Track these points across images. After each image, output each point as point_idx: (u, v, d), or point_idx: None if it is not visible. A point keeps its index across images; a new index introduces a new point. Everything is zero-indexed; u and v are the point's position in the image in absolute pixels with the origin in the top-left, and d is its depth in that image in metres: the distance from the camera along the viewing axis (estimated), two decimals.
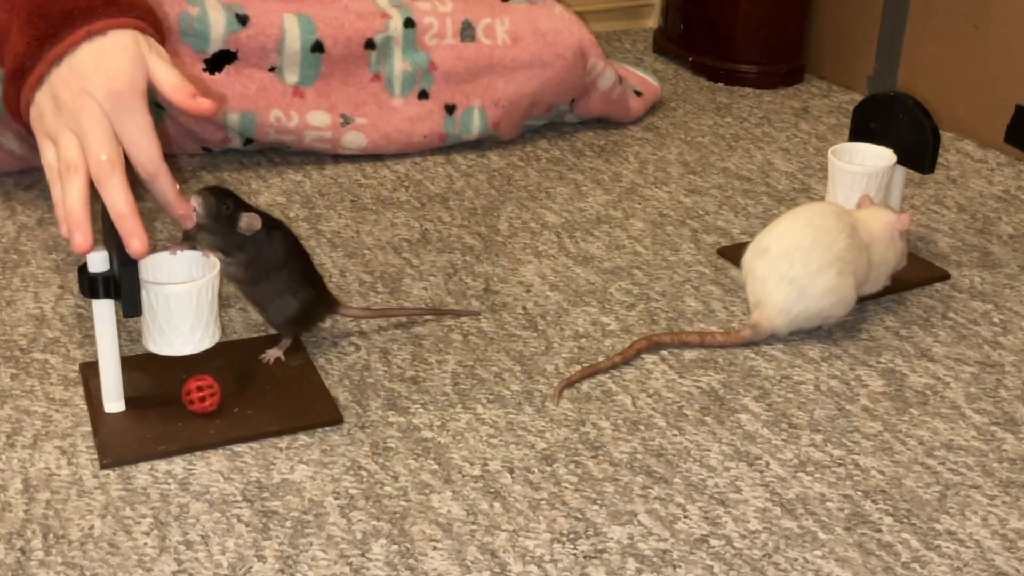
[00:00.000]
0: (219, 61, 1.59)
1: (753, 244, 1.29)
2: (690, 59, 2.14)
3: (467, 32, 1.70)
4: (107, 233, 1.05)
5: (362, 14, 1.66)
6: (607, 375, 1.21)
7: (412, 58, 1.69)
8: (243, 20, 1.59)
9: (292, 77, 1.63)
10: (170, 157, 1.69)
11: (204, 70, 1.59)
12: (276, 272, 1.17)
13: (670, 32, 2.20)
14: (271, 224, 1.18)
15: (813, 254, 1.24)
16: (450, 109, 1.72)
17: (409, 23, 1.68)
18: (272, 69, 1.62)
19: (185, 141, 1.66)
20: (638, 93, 1.90)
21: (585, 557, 0.97)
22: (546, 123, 1.85)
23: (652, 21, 2.41)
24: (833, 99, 2.04)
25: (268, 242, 1.15)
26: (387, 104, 1.70)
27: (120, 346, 1.10)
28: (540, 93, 1.75)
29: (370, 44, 1.67)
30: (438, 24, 1.70)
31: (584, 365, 1.22)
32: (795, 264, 1.24)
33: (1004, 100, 1.80)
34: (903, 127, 1.40)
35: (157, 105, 1.60)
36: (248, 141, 1.67)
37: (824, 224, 1.25)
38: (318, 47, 1.63)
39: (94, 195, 0.92)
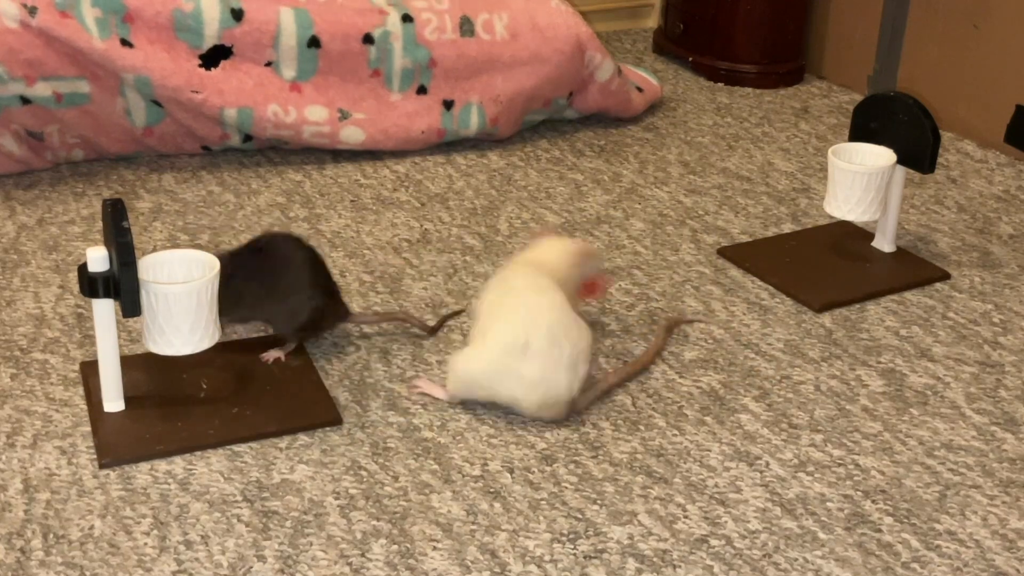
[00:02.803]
0: (215, 56, 1.60)
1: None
2: (690, 59, 2.14)
3: (466, 27, 1.70)
4: (107, 233, 1.05)
5: (359, 11, 1.66)
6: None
7: (413, 54, 1.69)
8: (238, 15, 1.59)
9: (289, 72, 1.63)
10: (170, 157, 1.69)
11: (200, 66, 1.59)
12: (277, 289, 1.17)
13: (670, 32, 2.20)
14: (256, 246, 1.18)
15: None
16: (448, 105, 1.72)
17: (407, 18, 1.68)
18: (269, 64, 1.62)
19: (185, 140, 1.66)
20: (639, 89, 1.90)
21: (585, 557, 0.97)
22: (546, 123, 1.85)
23: (652, 21, 2.41)
24: (833, 99, 2.04)
25: (248, 274, 1.16)
26: (385, 99, 1.70)
27: (120, 346, 1.10)
28: (538, 88, 1.75)
29: (368, 39, 1.66)
30: (436, 19, 1.70)
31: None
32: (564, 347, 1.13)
33: (1004, 100, 1.80)
34: (903, 127, 1.40)
35: (155, 103, 1.60)
36: (247, 138, 1.67)
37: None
38: (314, 42, 1.63)
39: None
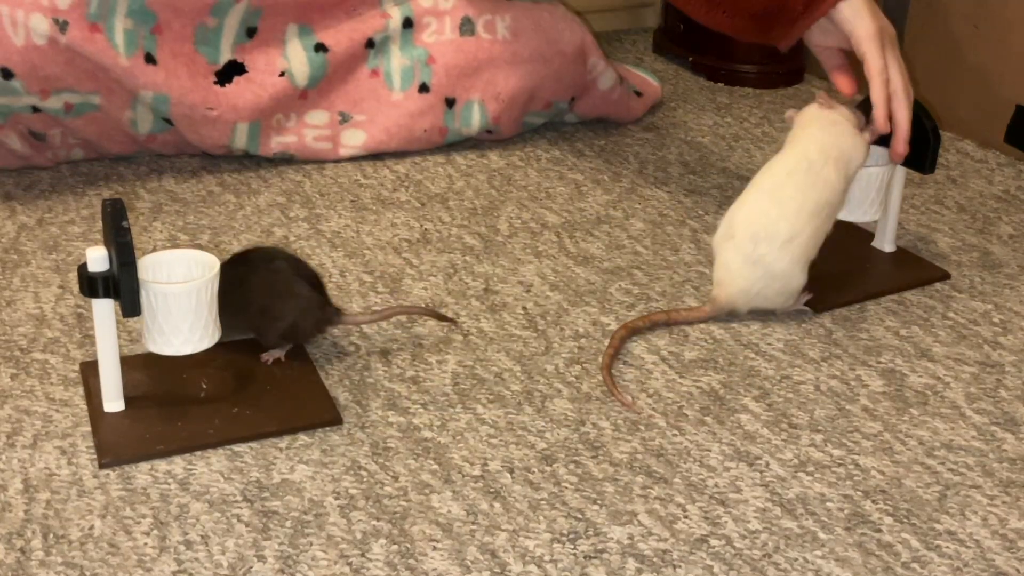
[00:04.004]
0: (229, 72, 1.60)
1: (720, 230, 1.30)
2: (690, 59, 2.14)
3: (466, 27, 1.71)
4: (107, 233, 1.05)
5: (363, 16, 1.66)
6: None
7: (409, 53, 1.69)
8: (251, 32, 1.60)
9: (302, 81, 1.63)
10: (169, 157, 1.69)
11: (215, 83, 1.58)
12: (254, 300, 1.17)
13: (670, 32, 2.20)
14: (235, 259, 1.17)
15: (778, 226, 1.26)
16: (450, 103, 1.72)
17: (408, 23, 1.68)
18: (282, 74, 1.62)
19: (186, 146, 1.66)
20: (638, 93, 1.90)
21: (585, 557, 0.97)
22: (546, 123, 1.85)
23: (652, 21, 2.41)
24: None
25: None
26: (387, 99, 1.70)
27: (120, 346, 1.10)
28: (540, 88, 1.75)
29: (370, 44, 1.67)
30: (436, 23, 1.70)
31: (584, 365, 1.23)
32: (759, 243, 1.26)
33: (1004, 100, 1.80)
34: None
35: (166, 120, 1.60)
36: (247, 156, 1.67)
37: (784, 193, 1.27)
38: (321, 47, 1.63)
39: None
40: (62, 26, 1.46)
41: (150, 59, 1.54)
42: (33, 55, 1.47)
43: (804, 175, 1.28)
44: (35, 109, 1.52)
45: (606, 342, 1.27)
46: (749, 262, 1.27)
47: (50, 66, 1.48)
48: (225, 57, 1.59)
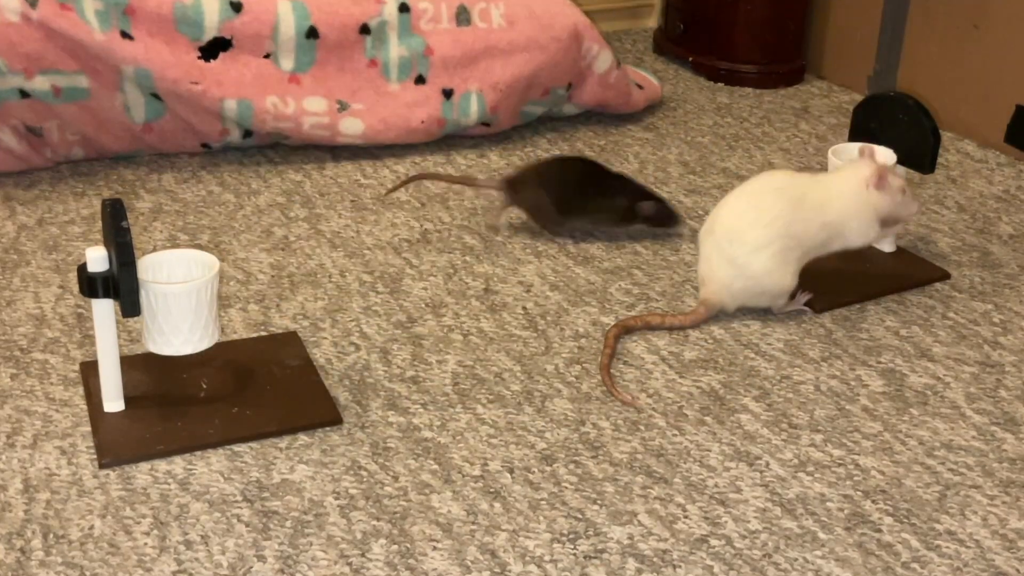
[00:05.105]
0: (214, 48, 1.60)
1: (705, 224, 1.32)
2: (690, 59, 2.14)
3: (463, 16, 1.71)
4: (107, 233, 1.05)
5: (357, 0, 1.67)
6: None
7: (408, 43, 1.69)
8: (237, 7, 1.60)
9: (288, 64, 1.64)
10: (169, 157, 1.69)
11: (199, 58, 1.59)
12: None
13: (670, 32, 2.20)
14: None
15: (750, 234, 1.27)
16: (448, 94, 1.72)
17: (404, 8, 1.69)
18: (267, 56, 1.63)
19: (185, 138, 1.66)
20: (639, 86, 1.90)
21: (585, 557, 0.97)
22: (546, 122, 1.85)
23: (652, 21, 2.41)
24: (833, 99, 2.04)
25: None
26: (384, 90, 1.70)
27: (120, 346, 1.10)
28: (536, 75, 1.75)
29: (365, 29, 1.67)
30: (433, 9, 1.71)
31: (584, 365, 1.23)
32: (733, 244, 1.27)
33: (1004, 100, 1.80)
34: (903, 127, 1.40)
35: (155, 96, 1.60)
36: (247, 134, 1.67)
37: (764, 202, 1.28)
38: (312, 33, 1.64)
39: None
40: (32, 2, 1.49)
41: (126, 35, 1.55)
42: (9, 31, 1.49)
43: (789, 201, 1.28)
44: (24, 94, 1.52)
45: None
46: (725, 260, 1.28)
47: (28, 42, 1.50)
48: (210, 34, 1.60)
